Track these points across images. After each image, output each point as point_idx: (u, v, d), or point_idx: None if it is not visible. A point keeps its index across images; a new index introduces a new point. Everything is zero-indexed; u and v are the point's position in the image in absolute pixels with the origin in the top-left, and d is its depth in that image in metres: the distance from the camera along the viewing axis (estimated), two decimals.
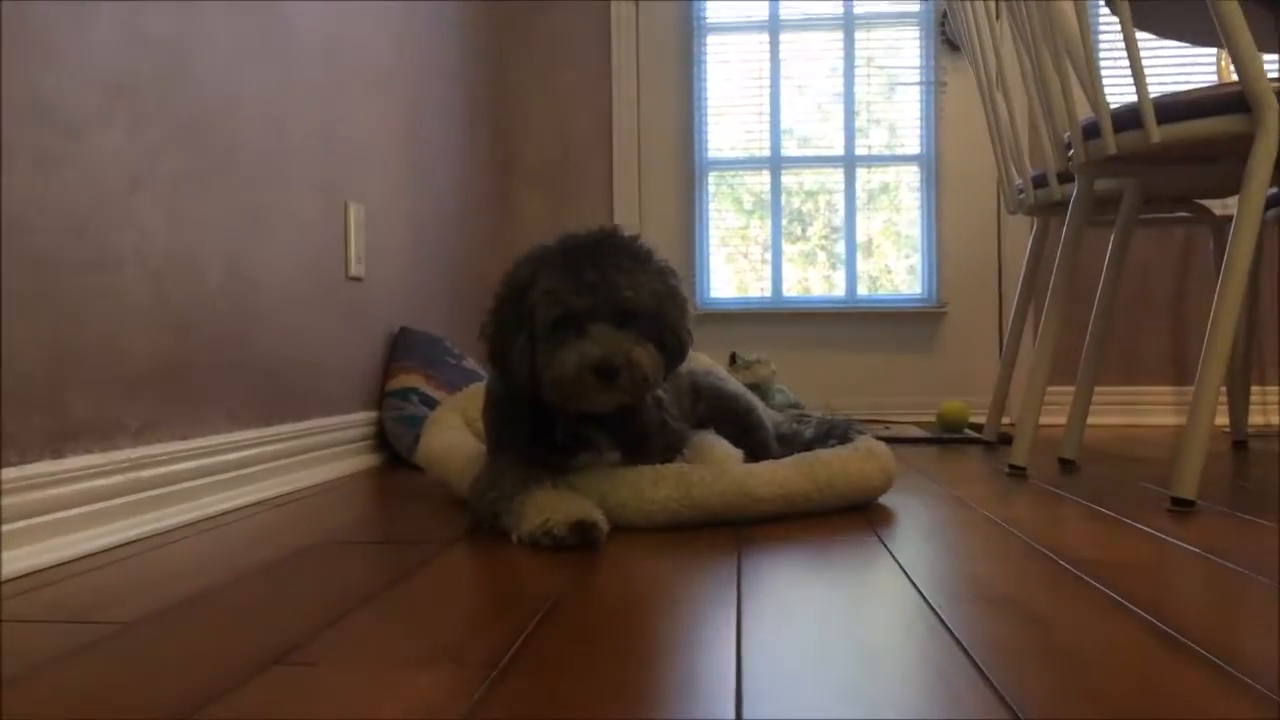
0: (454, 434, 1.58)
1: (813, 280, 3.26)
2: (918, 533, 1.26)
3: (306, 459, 1.72)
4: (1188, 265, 3.05)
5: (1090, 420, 1.98)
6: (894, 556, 1.10)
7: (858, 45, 3.19)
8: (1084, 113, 1.63)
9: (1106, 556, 1.09)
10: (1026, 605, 0.89)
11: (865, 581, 1.01)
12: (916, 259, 3.21)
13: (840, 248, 3.23)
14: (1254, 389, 2.62)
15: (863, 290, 3.21)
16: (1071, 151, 1.66)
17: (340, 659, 0.74)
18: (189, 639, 0.81)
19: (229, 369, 1.51)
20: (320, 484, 1.73)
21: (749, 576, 1.01)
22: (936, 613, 0.86)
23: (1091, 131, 1.58)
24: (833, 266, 3.24)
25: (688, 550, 1.15)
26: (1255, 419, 2.67)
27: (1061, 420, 2.24)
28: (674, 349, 1.25)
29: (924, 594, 0.93)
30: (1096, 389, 1.98)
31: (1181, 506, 1.35)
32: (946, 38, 3.11)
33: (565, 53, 3.20)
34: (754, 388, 2.02)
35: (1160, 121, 1.46)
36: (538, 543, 1.14)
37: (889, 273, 3.23)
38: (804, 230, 3.26)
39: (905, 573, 1.02)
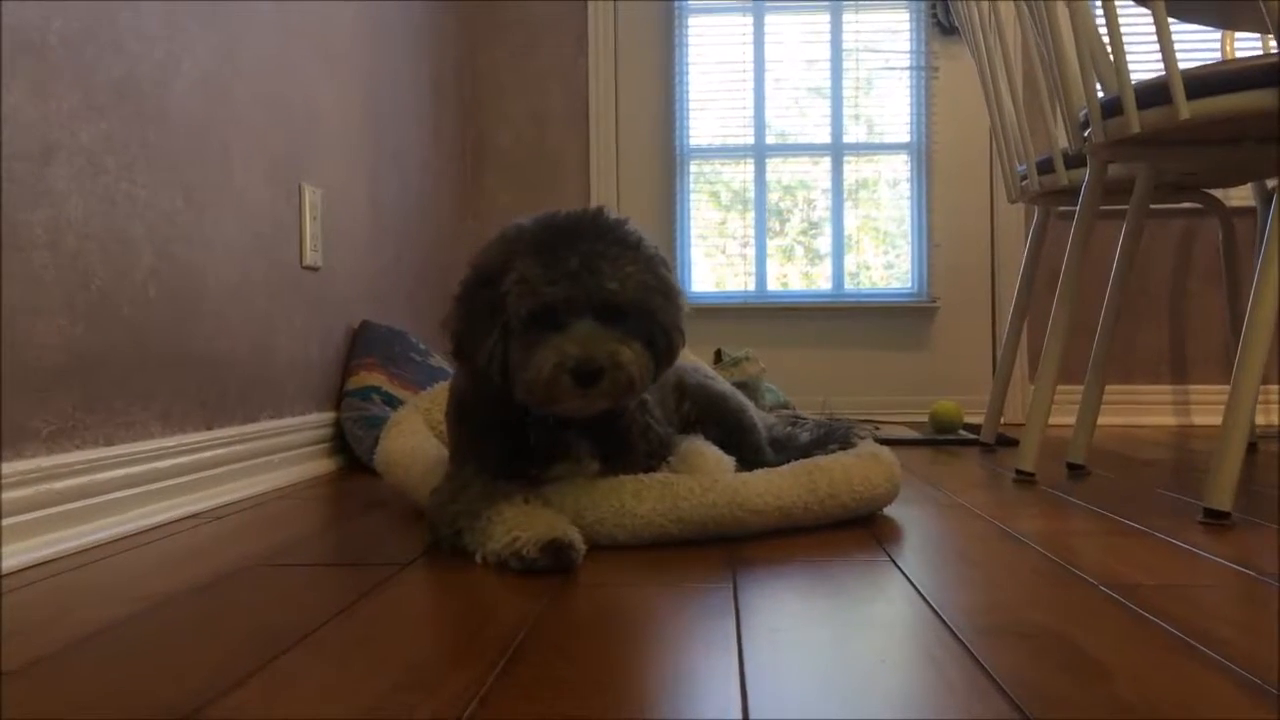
0: (415, 438, 1.43)
1: (792, 276, 3.13)
2: (931, 550, 1.14)
3: (254, 465, 1.57)
4: (1188, 259, 2.94)
5: None
6: (909, 579, 0.98)
7: (846, 28, 3.06)
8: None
9: (1147, 578, 0.98)
10: (1072, 642, 0.77)
11: (881, 611, 0.89)
12: (906, 252, 3.08)
13: (818, 243, 3.10)
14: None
15: (849, 285, 3.08)
16: (1088, 132, 1.53)
17: None
18: (67, 698, 0.66)
19: (162, 365, 1.35)
20: (269, 492, 1.57)
21: (747, 604, 0.88)
22: (972, 653, 0.74)
23: (1112, 109, 1.46)
24: (811, 262, 3.11)
25: (675, 572, 1.03)
26: (1258, 419, 2.57)
27: (1062, 421, 2.12)
28: (663, 349, 1.10)
29: (951, 627, 0.81)
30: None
31: (1215, 519, 1.23)
32: (939, 20, 2.98)
33: (540, 32, 3.04)
34: (742, 387, 1.88)
35: (1189, 97, 1.33)
36: (505, 565, 1.01)
37: (867, 269, 3.10)
38: (782, 226, 3.13)
39: (925, 599, 0.90)
